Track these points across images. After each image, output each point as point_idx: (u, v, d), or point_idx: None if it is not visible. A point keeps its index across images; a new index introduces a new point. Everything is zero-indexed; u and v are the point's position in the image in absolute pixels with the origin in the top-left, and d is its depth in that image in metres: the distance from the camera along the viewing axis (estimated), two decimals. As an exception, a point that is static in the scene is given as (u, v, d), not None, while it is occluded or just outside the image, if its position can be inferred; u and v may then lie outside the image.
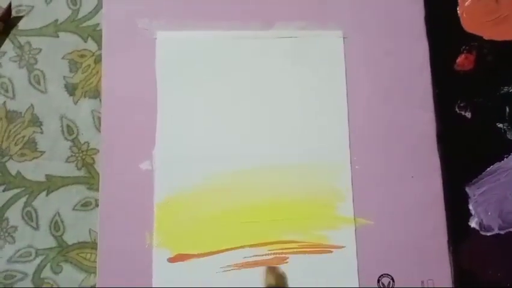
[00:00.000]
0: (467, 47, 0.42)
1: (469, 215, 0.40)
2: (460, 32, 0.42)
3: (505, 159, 0.40)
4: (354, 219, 0.39)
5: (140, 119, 0.39)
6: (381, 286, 0.38)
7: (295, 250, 0.38)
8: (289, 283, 0.37)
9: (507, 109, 0.41)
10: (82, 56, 0.41)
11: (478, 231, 0.39)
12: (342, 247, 0.38)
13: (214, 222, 0.38)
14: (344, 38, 0.41)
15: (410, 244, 0.39)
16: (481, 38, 0.42)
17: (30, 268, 0.38)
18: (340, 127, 0.40)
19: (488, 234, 0.39)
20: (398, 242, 0.39)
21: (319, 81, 0.40)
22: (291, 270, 0.37)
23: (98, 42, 0.40)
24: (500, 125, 0.41)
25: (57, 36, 0.41)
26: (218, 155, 0.39)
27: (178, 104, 0.39)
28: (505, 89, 0.41)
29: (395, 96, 0.41)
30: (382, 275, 0.38)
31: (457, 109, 0.41)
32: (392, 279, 0.38)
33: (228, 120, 0.40)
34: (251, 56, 0.40)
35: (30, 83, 0.40)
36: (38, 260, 0.38)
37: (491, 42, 0.42)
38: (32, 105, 0.40)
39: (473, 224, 0.39)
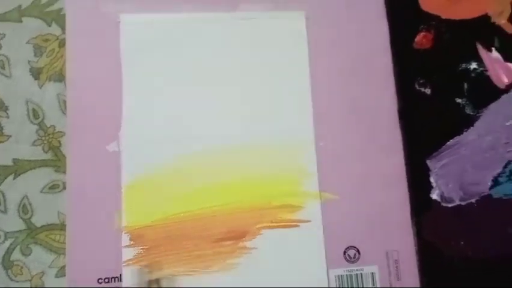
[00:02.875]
0: (425, 26, 0.43)
1: (430, 187, 0.41)
2: (418, 12, 0.43)
3: (464, 133, 0.41)
4: (320, 194, 0.39)
5: (106, 101, 0.39)
6: (347, 258, 0.39)
7: (264, 225, 0.39)
8: (258, 257, 0.38)
9: (465, 85, 0.42)
10: (46, 40, 0.41)
11: (439, 203, 0.40)
12: (309, 221, 0.39)
13: (182, 203, 0.38)
14: (306, 18, 0.42)
15: (375, 217, 0.40)
16: (438, 17, 0.43)
17: (-1, 251, 0.38)
18: (304, 106, 0.41)
19: (450, 205, 0.40)
20: (363, 215, 0.40)
21: (282, 62, 0.41)
22: (259, 244, 0.38)
23: (62, 26, 0.41)
24: (459, 100, 0.42)
25: (21, 21, 0.41)
26: (184, 136, 0.39)
27: (144, 85, 0.40)
28: (463, 65, 0.42)
29: (357, 74, 0.42)
30: (348, 247, 0.39)
31: (416, 86, 0.42)
32: (358, 251, 0.39)
33: (193, 102, 0.40)
34: (215, 37, 0.41)
35: (-5, 68, 0.40)
36: (7, 243, 0.38)
37: (449, 21, 0.43)
38: (-3, 90, 0.40)
39: (434, 196, 0.41)
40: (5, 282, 0.38)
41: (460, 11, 0.43)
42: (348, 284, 0.38)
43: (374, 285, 0.39)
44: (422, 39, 0.43)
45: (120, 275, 0.37)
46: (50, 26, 0.41)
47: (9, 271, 0.38)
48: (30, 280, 0.38)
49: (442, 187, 0.41)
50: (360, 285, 0.39)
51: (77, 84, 0.39)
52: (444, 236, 0.40)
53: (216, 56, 0.41)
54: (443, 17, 0.43)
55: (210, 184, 0.39)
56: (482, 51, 0.43)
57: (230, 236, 0.38)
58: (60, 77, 0.40)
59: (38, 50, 0.40)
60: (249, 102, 0.41)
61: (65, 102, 0.40)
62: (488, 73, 0.42)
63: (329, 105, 0.41)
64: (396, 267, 0.39)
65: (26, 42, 0.40)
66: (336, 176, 0.40)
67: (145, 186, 0.38)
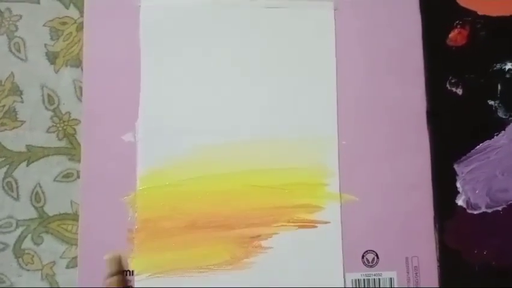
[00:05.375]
0: (460, 22, 0.41)
1: (456, 192, 0.39)
2: (454, 7, 0.41)
3: (495, 137, 0.40)
4: (340, 195, 0.38)
5: (123, 89, 0.38)
6: (366, 262, 0.38)
7: (281, 224, 0.38)
8: (275, 257, 0.37)
9: (499, 86, 0.40)
10: (64, 23, 0.39)
11: (464, 209, 0.39)
12: (328, 223, 0.38)
13: (198, 197, 0.37)
14: (334, 9, 0.40)
15: (396, 221, 0.38)
16: (475, 13, 0.41)
17: (10, 239, 0.38)
18: (328, 101, 0.39)
19: (475, 212, 0.39)
20: (384, 218, 0.38)
21: (308, 54, 0.39)
22: (275, 244, 0.37)
23: (80, 9, 0.39)
24: (492, 103, 0.40)
25: (38, 3, 0.39)
26: (203, 128, 0.38)
27: (163, 74, 0.38)
28: (498, 65, 0.40)
29: (385, 70, 0.40)
30: (367, 251, 0.38)
31: (448, 85, 0.40)
32: (377, 255, 0.38)
33: (214, 92, 0.39)
34: (239, 25, 0.39)
35: (10, 50, 0.39)
36: (18, 231, 0.38)
37: (485, 17, 0.41)
38: (12, 73, 0.39)
39: (460, 202, 0.39)
40: (16, 270, 0.37)
41: (498, 7, 0.41)
42: (365, 290, 0.37)
43: (392, 291, 0.38)
44: (456, 36, 0.40)
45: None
46: (67, 8, 0.39)
47: (20, 259, 0.37)
48: (41, 269, 0.37)
49: (469, 193, 0.39)
50: (378, 291, 0.37)
51: (94, 71, 0.38)
52: (467, 243, 0.39)
53: (238, 45, 0.39)
54: (480, 13, 0.41)
55: (227, 179, 0.38)
56: (519, 51, 0.41)
57: (245, 233, 0.37)
58: (77, 62, 0.39)
59: (55, 34, 0.39)
60: (270, 95, 0.39)
61: (81, 88, 0.38)
62: (524, 75, 0.40)
63: (355, 102, 0.39)
64: (416, 273, 0.38)
65: (43, 25, 0.39)
66: (358, 177, 0.39)
67: (160, 178, 0.37)
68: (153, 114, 0.38)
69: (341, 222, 0.38)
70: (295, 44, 0.40)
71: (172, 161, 0.38)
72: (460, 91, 0.40)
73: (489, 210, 0.39)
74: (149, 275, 0.36)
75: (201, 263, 0.37)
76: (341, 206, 0.38)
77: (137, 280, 0.36)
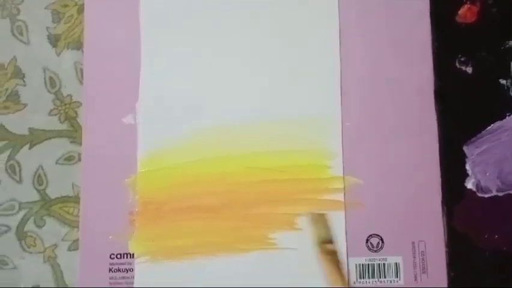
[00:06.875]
0: (470, -2, 0.39)
1: (465, 175, 0.38)
2: (464, -18, 0.39)
3: (507, 117, 0.38)
4: (344, 177, 0.37)
5: (124, 71, 0.38)
6: (370, 246, 0.37)
7: (281, 206, 0.37)
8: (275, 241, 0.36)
9: (511, 65, 0.38)
10: (65, 5, 0.39)
11: (474, 192, 0.38)
12: (330, 205, 0.37)
13: (199, 179, 0.37)
14: (338, -13, 0.39)
15: (402, 204, 0.37)
16: (486, -12, 0.39)
17: (13, 221, 0.38)
18: (331, 81, 0.38)
19: (486, 196, 0.38)
20: (389, 201, 0.37)
21: (310, 32, 0.38)
22: (277, 228, 0.37)
23: (81, -9, 0.39)
24: (503, 82, 0.38)
25: (40, -14, 0.40)
26: (205, 110, 0.38)
27: (164, 55, 0.38)
28: (509, 43, 0.39)
29: (391, 48, 0.38)
30: (371, 235, 0.37)
31: (457, 64, 0.39)
32: (382, 239, 0.37)
33: (216, 73, 0.38)
34: (239, 5, 0.39)
35: (13, 33, 0.39)
36: (21, 214, 0.38)
37: (497, -8, 0.39)
38: (14, 56, 0.39)
39: (469, 185, 0.38)
40: (18, 252, 0.37)
41: (511, -18, 0.39)
42: (369, 274, 0.36)
43: (397, 276, 0.36)
44: (466, 12, 0.39)
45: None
46: (69, -9, 0.39)
47: (23, 242, 0.38)
48: (43, 252, 0.38)
49: (479, 175, 0.38)
50: (382, 276, 0.36)
51: (95, 53, 0.38)
52: (477, 228, 0.37)
53: (239, 26, 0.39)
54: (491, -12, 0.39)
55: (228, 161, 0.37)
56: (532, 28, 0.39)
57: (246, 216, 0.37)
58: (78, 45, 0.39)
59: (56, 16, 0.39)
60: (272, 76, 0.38)
61: (82, 71, 0.38)
62: (538, 52, 0.39)
63: (359, 81, 0.38)
64: (423, 259, 0.37)
65: (45, 8, 0.39)
66: (362, 159, 0.37)
67: (160, 160, 0.37)
68: (153, 96, 0.38)
69: (345, 205, 0.37)
70: (297, 23, 0.39)
71: (173, 144, 0.37)
72: (469, 70, 0.38)
73: (500, 194, 0.38)
74: (150, 258, 0.36)
75: (202, 247, 0.36)
76: (344, 189, 0.37)
77: (137, 263, 0.36)
